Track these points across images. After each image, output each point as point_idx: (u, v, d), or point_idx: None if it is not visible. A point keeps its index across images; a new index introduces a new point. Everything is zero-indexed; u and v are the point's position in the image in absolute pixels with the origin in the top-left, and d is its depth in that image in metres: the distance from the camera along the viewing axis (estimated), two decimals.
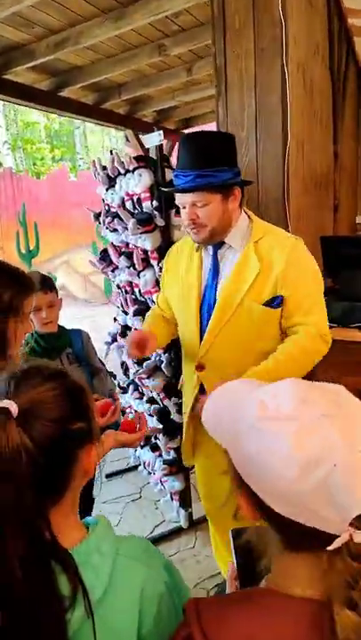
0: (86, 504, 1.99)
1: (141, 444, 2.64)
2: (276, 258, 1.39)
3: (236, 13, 2.01)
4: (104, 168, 2.31)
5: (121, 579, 0.71)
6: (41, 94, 4.22)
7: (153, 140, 1.93)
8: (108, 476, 2.98)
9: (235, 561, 0.81)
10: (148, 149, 2.05)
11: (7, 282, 1.07)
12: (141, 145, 6.17)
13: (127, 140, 6.52)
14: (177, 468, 2.35)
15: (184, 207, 1.40)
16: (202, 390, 1.56)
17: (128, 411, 2.63)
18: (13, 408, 0.64)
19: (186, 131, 6.66)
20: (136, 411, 1.29)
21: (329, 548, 0.52)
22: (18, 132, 17.12)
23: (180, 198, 1.40)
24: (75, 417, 0.71)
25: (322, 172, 2.92)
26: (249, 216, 1.50)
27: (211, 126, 6.72)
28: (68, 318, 8.92)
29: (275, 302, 1.41)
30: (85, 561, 0.69)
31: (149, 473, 2.69)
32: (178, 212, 2.12)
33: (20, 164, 16.87)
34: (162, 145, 1.95)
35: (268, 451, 0.54)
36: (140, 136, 2.25)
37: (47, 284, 1.86)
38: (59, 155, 18.17)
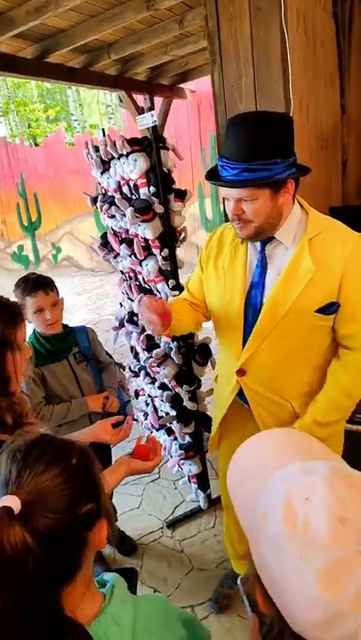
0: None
1: (156, 426, 2.65)
2: (334, 259, 1.25)
3: None
4: (97, 149, 2.18)
5: None
6: (27, 63, 3.99)
7: (146, 120, 1.79)
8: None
9: (249, 612, 0.78)
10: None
11: None
12: (135, 104, 5.85)
13: (120, 101, 6.22)
14: (193, 452, 2.36)
15: (228, 200, 1.25)
16: (242, 395, 1.48)
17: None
18: (15, 505, 0.60)
19: (182, 85, 6.32)
20: (148, 435, 1.25)
21: None
22: (10, 94, 16.47)
23: (224, 191, 1.24)
24: (82, 499, 0.67)
25: (328, 129, 2.74)
26: (303, 207, 1.35)
27: (207, 79, 6.36)
28: (77, 290, 8.90)
29: (330, 309, 1.28)
30: (104, 635, 0.67)
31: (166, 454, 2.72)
32: (177, 197, 2.01)
33: (14, 129, 16.33)
34: (156, 126, 1.81)
35: (290, 579, 0.45)
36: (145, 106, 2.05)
37: (47, 284, 1.81)
38: (53, 114, 17.51)
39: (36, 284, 1.77)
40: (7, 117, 16.67)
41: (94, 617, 0.69)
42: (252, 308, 1.37)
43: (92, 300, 7.71)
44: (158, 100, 5.93)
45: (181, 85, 6.26)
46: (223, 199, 1.29)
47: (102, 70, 4.82)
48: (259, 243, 1.33)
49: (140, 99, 5.62)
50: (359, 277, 1.25)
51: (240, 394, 1.49)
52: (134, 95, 5.45)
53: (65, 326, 1.92)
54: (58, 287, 1.89)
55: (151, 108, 1.78)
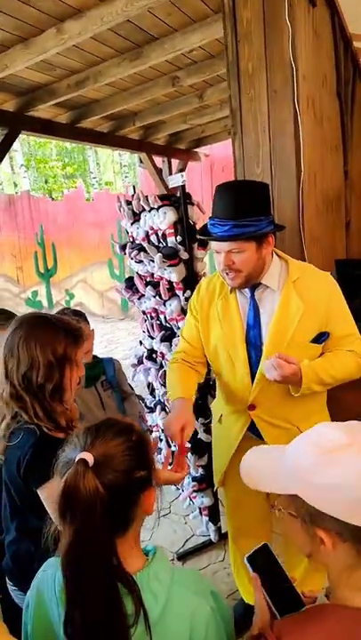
0: None
1: (170, 461, 2.76)
2: (318, 296, 1.47)
3: (249, 60, 2.16)
4: (129, 203, 2.47)
5: (176, 604, 0.84)
6: (61, 127, 4.45)
7: (176, 180, 2.08)
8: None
9: (252, 574, 0.92)
10: (174, 188, 2.18)
11: (62, 336, 1.23)
12: (154, 165, 6.35)
13: (140, 161, 6.73)
14: (206, 484, 2.47)
15: (219, 252, 1.44)
16: (251, 428, 1.61)
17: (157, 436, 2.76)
18: (90, 459, 0.78)
19: (197, 149, 6.86)
20: (174, 452, 1.37)
21: None
22: (30, 152, 17.58)
23: (216, 245, 1.45)
24: (138, 467, 0.84)
25: (333, 193, 3.05)
26: (280, 256, 1.56)
27: (221, 145, 6.93)
28: None
29: (321, 339, 1.49)
30: (146, 586, 0.82)
31: (178, 489, 2.82)
32: (200, 246, 2.27)
33: (33, 184, 17.28)
34: (184, 185, 2.10)
35: (345, 474, 0.66)
36: (163, 168, 2.37)
37: (81, 317, 2.01)
38: (70, 172, 18.59)
39: (74, 316, 1.98)
40: (27, 172, 17.70)
41: (139, 570, 0.84)
42: (253, 347, 1.54)
43: (102, 344, 7.92)
44: (174, 162, 6.45)
45: (196, 150, 6.80)
46: (214, 253, 1.49)
47: (126, 135, 5.31)
48: (248, 290, 1.54)
49: (159, 160, 6.13)
50: (339, 308, 1.51)
51: (249, 427, 1.64)
52: (153, 157, 5.95)
53: (94, 357, 2.11)
54: None
55: (182, 170, 2.06)
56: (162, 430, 2.84)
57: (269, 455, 0.85)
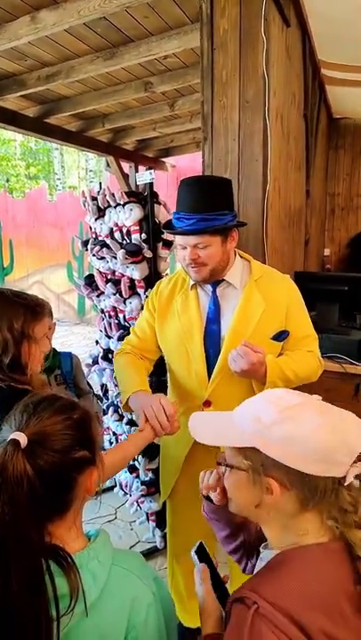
0: None
1: None
2: (278, 295, 1.50)
3: (223, 68, 2.20)
4: (94, 199, 2.43)
5: (116, 586, 0.81)
6: (28, 120, 4.35)
7: (145, 177, 2.07)
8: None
9: (200, 566, 0.96)
10: (137, 185, 2.18)
11: (21, 311, 1.18)
12: (121, 170, 6.31)
13: (108, 165, 6.68)
14: (155, 488, 2.42)
15: (185, 248, 1.44)
16: None
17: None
18: (22, 440, 0.76)
19: (165, 159, 6.91)
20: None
21: (347, 481, 0.74)
22: None
23: (181, 239, 1.44)
24: (78, 446, 0.82)
25: (295, 209, 3.14)
26: (242, 256, 1.59)
27: (187, 156, 7.02)
28: None
29: (281, 336, 1.50)
30: (85, 565, 0.79)
31: (125, 494, 2.75)
32: (164, 245, 2.26)
33: None
34: (152, 182, 2.09)
35: (300, 427, 0.75)
36: (130, 173, 2.37)
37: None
38: (34, 172, 18.23)
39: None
40: None
41: (79, 551, 0.81)
42: (211, 341, 1.53)
43: (54, 347, 7.72)
44: (142, 169, 6.46)
45: (164, 159, 6.85)
46: (178, 249, 1.49)
47: (95, 136, 5.27)
48: (209, 286, 1.54)
49: (126, 166, 6.11)
50: (299, 308, 1.55)
51: None
52: (121, 162, 5.93)
53: (52, 349, 2.04)
54: None
55: (150, 168, 2.06)
56: (113, 434, 2.78)
57: (219, 417, 0.93)
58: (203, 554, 0.99)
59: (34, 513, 0.75)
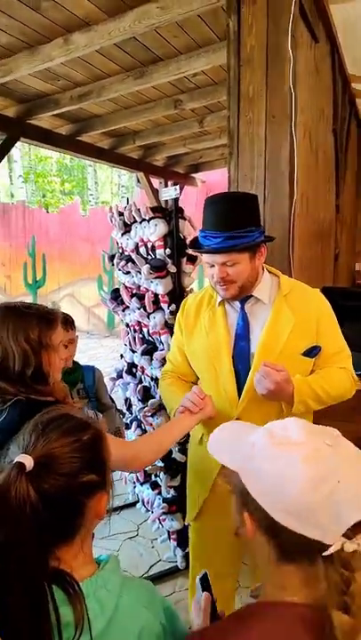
0: None
1: (141, 480, 2.68)
2: (308, 311, 1.46)
3: (250, 84, 2.20)
4: (121, 214, 2.46)
5: (123, 616, 0.78)
6: (61, 138, 4.48)
7: (170, 193, 2.08)
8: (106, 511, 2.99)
9: (202, 595, 0.92)
10: (165, 201, 2.19)
11: (35, 322, 1.20)
12: (151, 186, 6.42)
13: (138, 181, 6.79)
14: (176, 507, 2.38)
15: (212, 266, 1.42)
16: None
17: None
18: (28, 463, 0.74)
19: (195, 175, 6.97)
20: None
21: (324, 554, 0.62)
22: (31, 165, 17.72)
23: (209, 257, 1.42)
24: (87, 469, 0.79)
25: (324, 224, 3.09)
26: (270, 271, 1.56)
27: (217, 172, 7.05)
28: None
29: (313, 352, 1.45)
30: (93, 594, 0.76)
31: (147, 510, 2.72)
32: (189, 260, 2.25)
33: (30, 196, 17.36)
34: (178, 198, 2.09)
35: (282, 469, 0.66)
36: (160, 189, 2.40)
37: (68, 322, 1.97)
38: (69, 188, 18.75)
39: (63, 322, 1.94)
40: (26, 186, 17.80)
41: (87, 578, 0.78)
42: (240, 359, 1.49)
43: (83, 360, 7.80)
44: (171, 184, 6.52)
45: (193, 175, 6.90)
46: (206, 266, 1.47)
47: (126, 153, 5.37)
48: (238, 302, 1.51)
49: (156, 182, 6.19)
50: (330, 324, 1.50)
51: None
52: (151, 178, 6.02)
53: (74, 362, 2.05)
54: None
55: (176, 184, 2.07)
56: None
57: (243, 428, 0.87)
58: (206, 584, 0.96)
59: (37, 537, 0.73)
